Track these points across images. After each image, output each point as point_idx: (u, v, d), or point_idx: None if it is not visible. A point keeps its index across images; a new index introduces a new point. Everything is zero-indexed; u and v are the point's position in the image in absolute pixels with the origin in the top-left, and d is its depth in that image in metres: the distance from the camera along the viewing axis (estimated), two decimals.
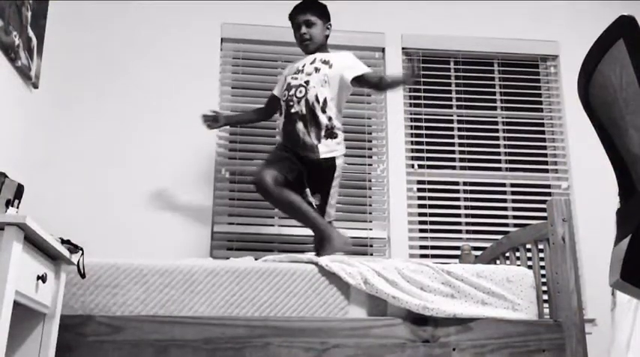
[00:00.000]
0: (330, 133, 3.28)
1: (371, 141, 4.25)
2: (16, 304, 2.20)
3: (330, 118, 3.28)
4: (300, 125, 3.27)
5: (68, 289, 2.55)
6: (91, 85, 4.02)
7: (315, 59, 3.44)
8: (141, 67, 4.09)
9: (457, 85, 4.43)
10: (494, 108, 4.41)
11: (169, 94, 4.06)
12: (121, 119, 3.98)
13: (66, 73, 3.99)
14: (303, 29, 3.47)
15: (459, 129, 4.34)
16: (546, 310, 2.93)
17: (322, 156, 3.25)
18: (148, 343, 2.52)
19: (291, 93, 3.35)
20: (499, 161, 4.30)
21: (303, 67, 3.41)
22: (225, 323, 2.58)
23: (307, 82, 3.33)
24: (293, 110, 3.31)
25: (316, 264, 2.77)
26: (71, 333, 2.47)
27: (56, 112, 3.92)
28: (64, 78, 3.98)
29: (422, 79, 4.38)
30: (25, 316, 2.24)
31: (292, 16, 3.55)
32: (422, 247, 4.06)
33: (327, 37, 3.55)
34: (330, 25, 3.56)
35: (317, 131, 3.26)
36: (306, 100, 3.29)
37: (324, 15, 3.52)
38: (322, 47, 3.52)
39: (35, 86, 3.63)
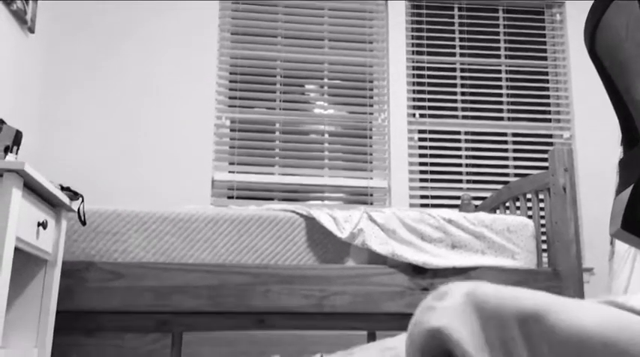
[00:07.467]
0: None
1: (372, 89, 4.20)
2: (17, 250, 2.22)
3: None
4: None
5: (69, 236, 2.57)
6: (87, 29, 3.96)
7: None
8: (138, 15, 4.02)
9: (461, 32, 4.36)
10: (498, 56, 4.35)
11: (167, 43, 4.00)
12: (119, 67, 3.94)
13: (62, 18, 3.92)
14: None
15: (462, 78, 4.29)
16: (545, 260, 2.95)
17: None
18: (148, 289, 2.54)
19: None
20: (501, 111, 4.27)
21: None
22: (226, 270, 2.61)
23: None
24: None
25: (310, 216, 2.77)
26: (73, 279, 2.49)
27: (53, 57, 3.87)
28: (61, 22, 3.92)
29: (425, 27, 4.31)
30: (27, 262, 2.25)
31: None
32: (422, 197, 4.07)
33: None
34: None
35: None
36: None
37: None
38: None
39: (31, 30, 3.56)
